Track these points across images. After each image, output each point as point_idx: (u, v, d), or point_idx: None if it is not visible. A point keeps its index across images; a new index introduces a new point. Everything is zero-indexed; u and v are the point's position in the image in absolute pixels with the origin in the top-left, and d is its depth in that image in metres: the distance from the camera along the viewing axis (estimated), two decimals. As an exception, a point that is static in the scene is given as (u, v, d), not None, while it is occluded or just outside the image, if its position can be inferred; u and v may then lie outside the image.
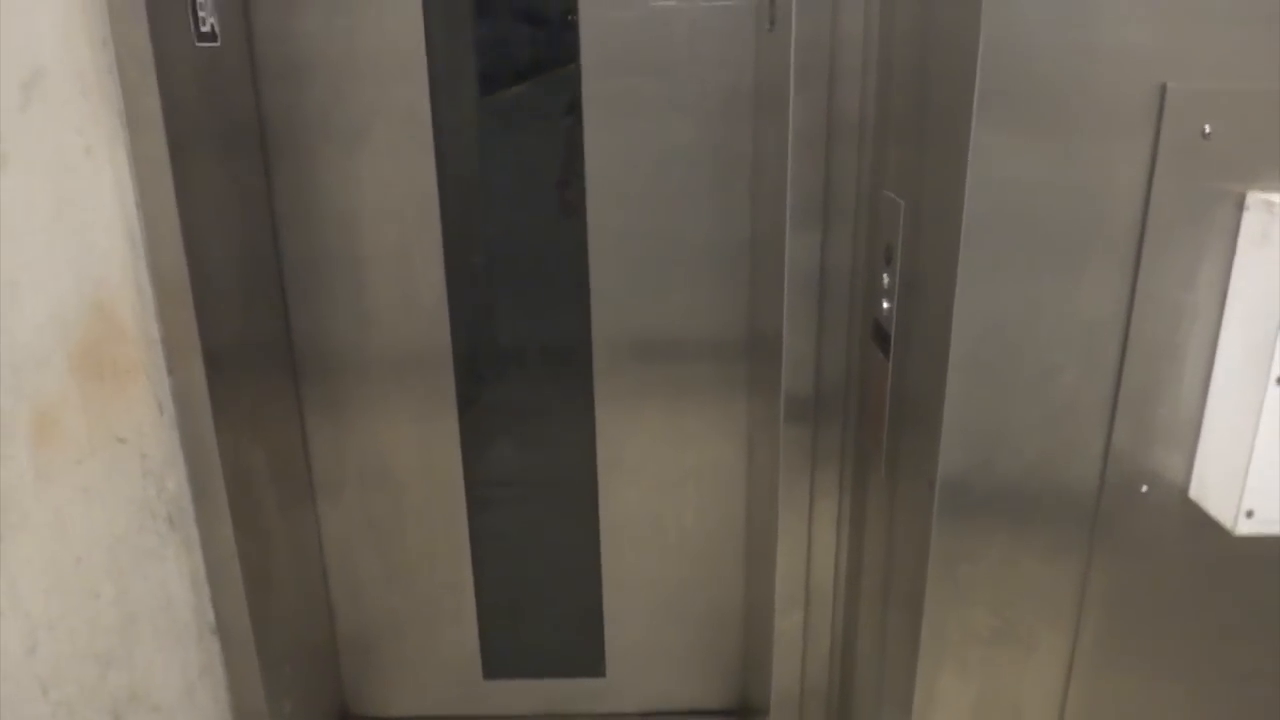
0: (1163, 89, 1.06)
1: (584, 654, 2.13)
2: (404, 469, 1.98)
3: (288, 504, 1.89)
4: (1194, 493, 1.18)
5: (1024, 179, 1.10)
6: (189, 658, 1.64)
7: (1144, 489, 1.20)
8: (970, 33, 1.06)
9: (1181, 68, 1.05)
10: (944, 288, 1.15)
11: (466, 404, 1.94)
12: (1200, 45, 1.05)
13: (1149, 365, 1.15)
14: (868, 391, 1.51)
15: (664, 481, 2.00)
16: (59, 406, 1.32)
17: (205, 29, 1.57)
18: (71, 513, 1.34)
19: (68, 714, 1.33)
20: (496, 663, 2.13)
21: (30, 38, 1.27)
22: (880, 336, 1.42)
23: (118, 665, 1.44)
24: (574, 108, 1.77)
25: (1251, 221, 1.07)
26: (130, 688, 1.47)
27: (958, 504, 1.22)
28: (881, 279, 1.41)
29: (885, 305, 1.39)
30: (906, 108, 1.33)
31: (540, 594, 2.11)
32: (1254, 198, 1.07)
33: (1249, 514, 1.09)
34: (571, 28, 1.73)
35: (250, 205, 1.74)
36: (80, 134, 1.38)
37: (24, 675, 1.24)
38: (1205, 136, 1.06)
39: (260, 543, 1.76)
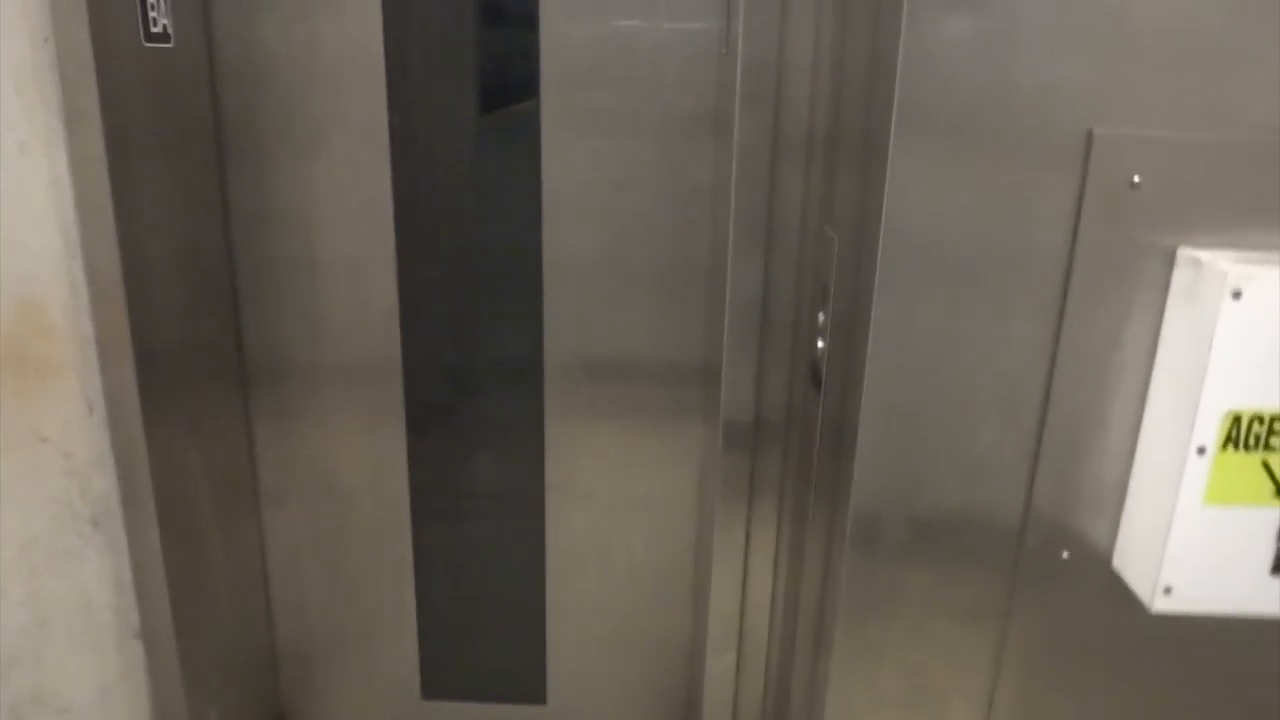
0: (1089, 134, 1.00)
1: (525, 680, 2.08)
2: (351, 481, 1.95)
3: (227, 511, 1.86)
4: (1116, 563, 1.12)
5: (944, 213, 1.04)
6: (106, 661, 1.62)
7: (1065, 555, 1.13)
8: (891, 51, 1.01)
9: (1110, 112, 1.00)
10: (859, 329, 1.10)
11: (415, 418, 1.91)
12: (1130, 89, 0.99)
13: (1072, 423, 1.09)
14: (806, 427, 1.46)
15: (614, 507, 1.95)
16: (-31, 403, 1.31)
17: (156, 29, 1.56)
18: (-23, 511, 1.33)
19: (-42, 715, 1.31)
20: (435, 683, 2.09)
21: (-40, 32, 1.26)
22: (815, 374, 1.37)
23: (21, 666, 1.42)
24: (532, 123, 1.74)
25: (1180, 279, 1.01)
26: (34, 689, 1.45)
27: (870, 556, 1.16)
28: (818, 317, 1.35)
29: (820, 344, 1.34)
30: (851, 138, 1.29)
31: (483, 615, 2.07)
32: (1183, 254, 1.01)
33: (1167, 590, 1.03)
34: (532, 43, 1.70)
35: (199, 207, 1.73)
36: (13, 130, 1.37)
37: (-91, 674, 1.22)
38: (1134, 186, 1.01)
39: (191, 548, 1.73)
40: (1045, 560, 1.14)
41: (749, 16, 1.36)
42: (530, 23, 1.69)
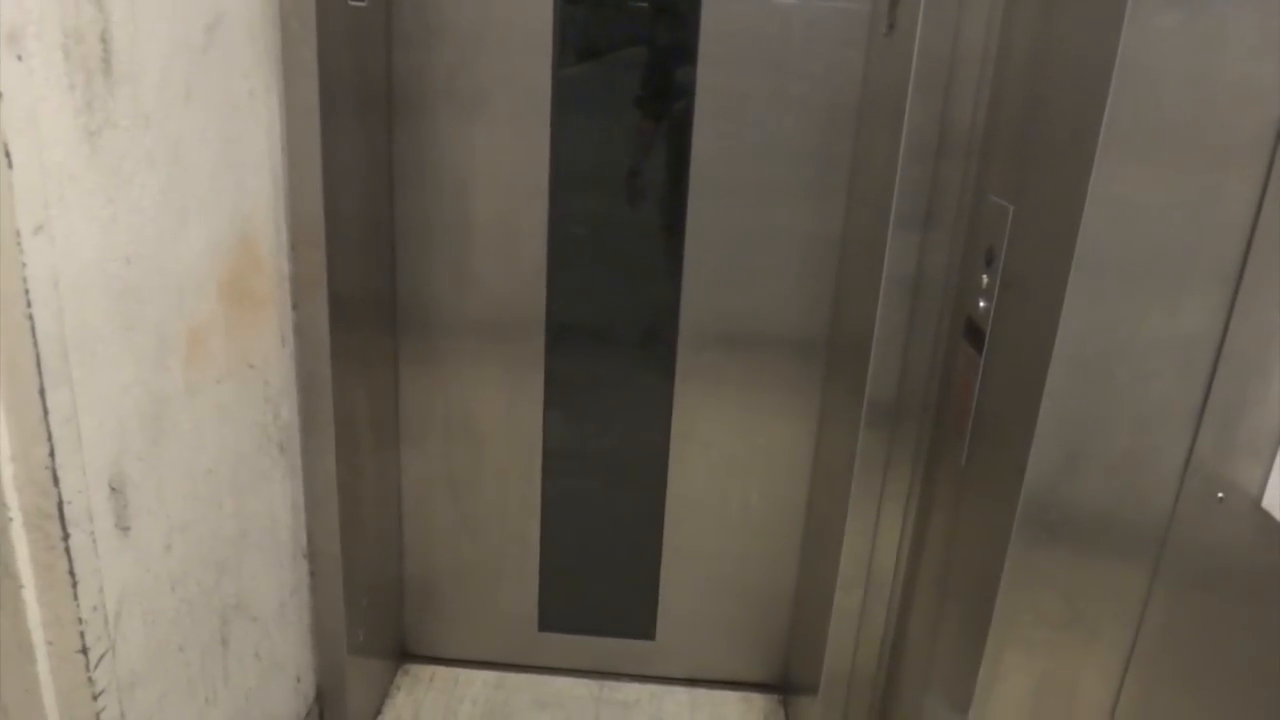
0: (1279, 121, 1.13)
1: (637, 617, 2.22)
2: (487, 426, 2.08)
3: (379, 446, 1.99)
4: (1266, 502, 1.26)
5: (1139, 198, 1.17)
6: (284, 577, 1.75)
7: (1220, 495, 1.28)
8: (1106, 54, 1.14)
9: (1301, 104, 1.13)
10: (1052, 292, 1.24)
11: (553, 370, 2.04)
12: (1320, 84, 1.12)
13: (1239, 380, 1.23)
14: (953, 386, 1.59)
15: (732, 458, 2.08)
16: (208, 329, 1.43)
17: (357, -11, 1.67)
18: (208, 427, 1.45)
19: (188, 611, 1.43)
20: (552, 617, 2.23)
21: (214, -16, 1.37)
22: (973, 333, 1.50)
23: (230, 573, 1.55)
24: (686, 98, 1.86)
25: (1351, 253, 1.15)
26: (237, 596, 1.57)
27: (1043, 492, 1.30)
28: (980, 279, 1.49)
29: (982, 304, 1.47)
30: (1019, 118, 1.41)
31: (601, 556, 2.21)
32: (1356, 231, 1.14)
33: (1319, 524, 1.17)
34: (692, 15, 1.81)
35: (375, 161, 1.84)
36: (246, 77, 1.48)
37: (160, 570, 1.34)
38: (1316, 170, 1.14)
39: (355, 478, 1.86)
40: (1201, 501, 1.28)
41: (928, 7, 1.48)
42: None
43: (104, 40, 1.11)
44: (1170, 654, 1.36)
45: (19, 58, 0.97)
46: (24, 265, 0.99)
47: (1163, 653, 1.36)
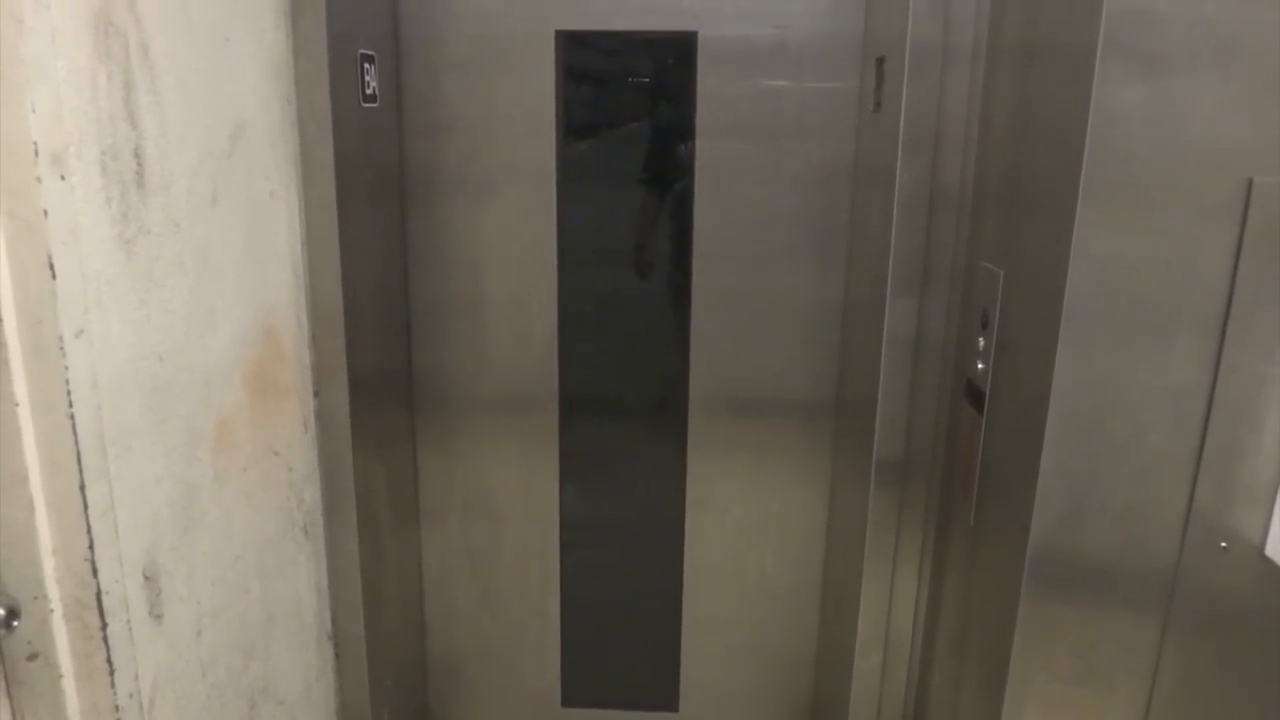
0: (1249, 183, 1.19)
1: (659, 688, 2.22)
2: (504, 501, 2.12)
3: (399, 525, 2.03)
4: (1269, 550, 1.28)
5: (1120, 256, 1.23)
6: (309, 659, 1.77)
7: (1223, 545, 1.30)
8: (1078, 122, 1.20)
9: (1268, 163, 1.19)
10: (1044, 351, 1.28)
11: (568, 444, 2.08)
12: (1285, 145, 1.18)
13: (1232, 429, 1.26)
14: (958, 446, 1.63)
15: (747, 525, 2.11)
16: (234, 419, 1.48)
17: (369, 91, 1.77)
18: (236, 514, 1.50)
19: (218, 695, 1.46)
20: (575, 692, 2.23)
21: (236, 96, 1.46)
22: (973, 394, 1.54)
23: (257, 657, 1.58)
24: (686, 173, 1.94)
25: (1329, 303, 1.19)
26: (264, 679, 1.60)
27: (1049, 547, 1.33)
28: (976, 342, 1.53)
29: (980, 366, 1.52)
30: (1003, 184, 1.48)
31: (622, 628, 2.22)
32: (1331, 282, 1.19)
33: (1322, 570, 1.19)
34: (688, 99, 1.90)
35: (390, 247, 1.92)
36: (267, 179, 1.56)
37: (192, 656, 1.38)
38: (1288, 226, 1.19)
39: (377, 559, 1.90)
40: (1205, 550, 1.31)
41: (910, 81, 1.56)
42: (688, 81, 1.90)
43: (137, 155, 1.20)
44: (1187, 705, 1.37)
45: (62, 177, 1.04)
46: (66, 368, 1.05)
47: (1179, 704, 1.37)
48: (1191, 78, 1.18)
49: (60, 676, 1.13)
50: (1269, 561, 1.29)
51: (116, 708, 1.17)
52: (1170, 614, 1.34)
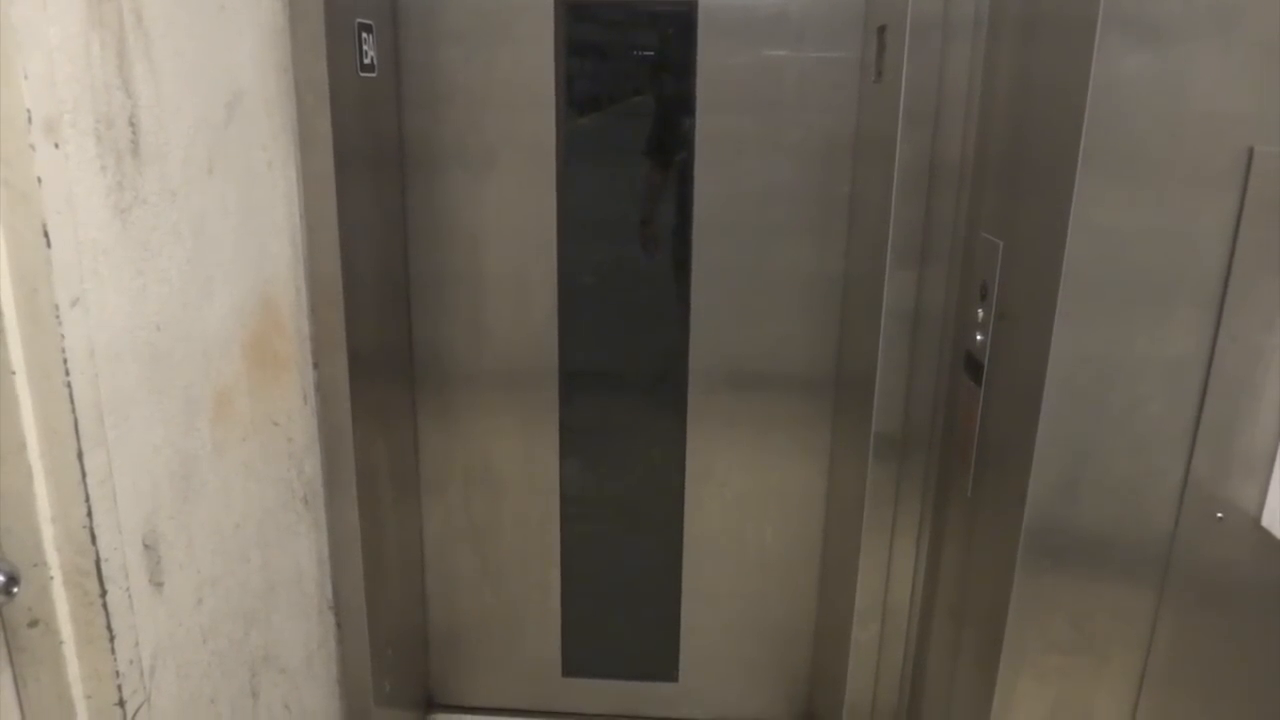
0: (1250, 152, 1.18)
1: (659, 659, 2.24)
2: (505, 474, 2.13)
3: (400, 498, 2.04)
4: (1266, 520, 1.28)
5: (1119, 227, 1.22)
6: (310, 629, 1.79)
7: (1219, 515, 1.30)
8: (1078, 93, 1.19)
9: (1268, 132, 1.17)
10: (1042, 322, 1.28)
11: (568, 417, 2.09)
12: (1287, 113, 1.17)
13: (1229, 400, 1.26)
14: (956, 418, 1.63)
15: (747, 497, 2.12)
16: (233, 389, 1.49)
17: (367, 61, 1.76)
18: (235, 484, 1.50)
19: (219, 663, 1.48)
20: (575, 662, 2.25)
21: (232, 65, 1.45)
22: (972, 366, 1.54)
23: (258, 626, 1.59)
24: (686, 145, 1.93)
25: (1329, 273, 1.19)
26: (265, 649, 1.62)
27: (1045, 517, 1.33)
28: (975, 313, 1.53)
29: (979, 338, 1.52)
30: (1003, 155, 1.47)
31: (622, 599, 2.24)
32: (1332, 252, 1.18)
33: (1318, 541, 1.19)
34: (689, 69, 1.89)
35: (389, 220, 1.92)
36: (264, 149, 1.55)
37: (192, 624, 1.39)
38: (1289, 195, 1.18)
39: (377, 531, 1.91)
40: (1201, 521, 1.31)
41: (911, 50, 1.54)
42: (688, 52, 1.88)
43: (132, 124, 1.19)
44: (1181, 675, 1.38)
45: (55, 145, 1.04)
46: (62, 337, 1.05)
47: (1174, 674, 1.38)
48: (1192, 46, 1.16)
49: (61, 643, 1.14)
50: (1265, 532, 1.29)
51: (117, 674, 1.18)
52: (1166, 584, 1.34)
